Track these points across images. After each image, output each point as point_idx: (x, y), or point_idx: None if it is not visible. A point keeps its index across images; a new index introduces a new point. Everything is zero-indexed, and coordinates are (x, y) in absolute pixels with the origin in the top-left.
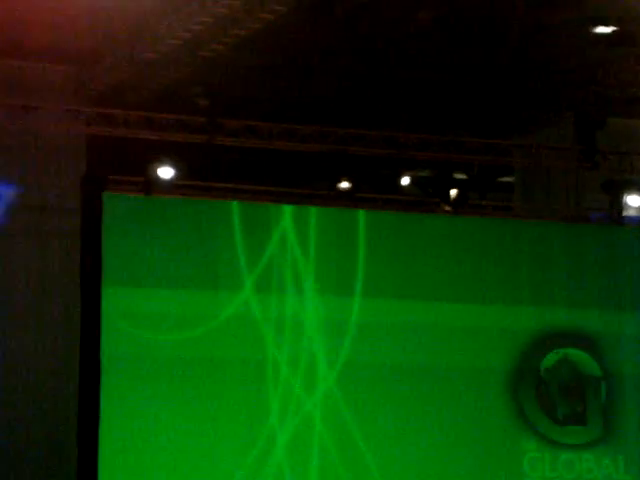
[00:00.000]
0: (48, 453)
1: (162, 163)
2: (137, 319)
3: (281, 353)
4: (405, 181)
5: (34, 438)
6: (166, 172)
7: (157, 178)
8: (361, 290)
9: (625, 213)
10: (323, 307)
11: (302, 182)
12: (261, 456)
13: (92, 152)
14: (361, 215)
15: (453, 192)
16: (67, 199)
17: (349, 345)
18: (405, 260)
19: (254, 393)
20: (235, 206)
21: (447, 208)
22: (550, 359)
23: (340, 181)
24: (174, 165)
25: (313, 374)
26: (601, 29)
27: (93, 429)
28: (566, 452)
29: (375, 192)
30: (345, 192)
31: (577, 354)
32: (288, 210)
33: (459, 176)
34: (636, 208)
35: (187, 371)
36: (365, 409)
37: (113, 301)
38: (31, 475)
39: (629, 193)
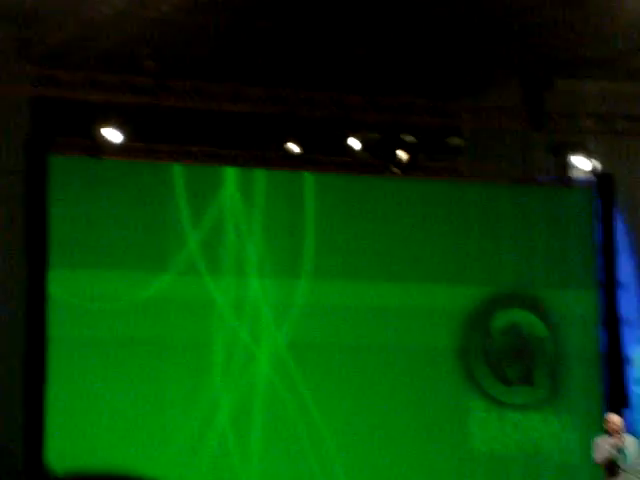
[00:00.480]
0: None
1: (109, 125)
2: (82, 283)
3: (227, 315)
4: (354, 143)
5: None
6: (113, 134)
7: (104, 140)
8: (312, 253)
9: (572, 174)
10: (271, 270)
11: (250, 144)
12: (205, 422)
13: (36, 114)
14: (309, 178)
15: (401, 154)
16: (11, 162)
17: (298, 314)
18: (354, 222)
19: (198, 356)
20: (180, 169)
21: (395, 170)
22: (497, 320)
23: (288, 143)
24: (121, 127)
25: (259, 337)
26: None
27: (39, 392)
28: (513, 412)
29: (323, 155)
30: (293, 155)
31: (524, 315)
32: (232, 172)
33: (407, 138)
34: (583, 169)
35: (133, 336)
36: (313, 378)
37: (59, 264)
38: None
39: (576, 154)
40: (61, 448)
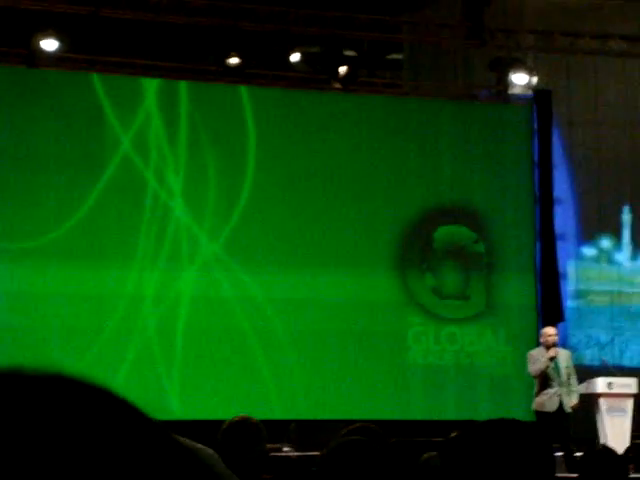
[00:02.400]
0: None
1: (46, 35)
2: (14, 191)
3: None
4: (295, 58)
5: None
6: (50, 44)
7: (41, 50)
8: (252, 168)
9: (511, 91)
10: (210, 180)
11: (190, 57)
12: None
13: None
14: (245, 91)
15: (342, 69)
16: None
17: (235, 226)
18: (293, 137)
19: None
20: (112, 80)
21: (336, 85)
22: (435, 236)
23: (229, 57)
24: (58, 37)
25: (195, 242)
26: None
27: None
28: (449, 325)
29: (264, 69)
30: (234, 68)
31: (461, 231)
32: (155, 84)
33: (349, 53)
34: (522, 86)
35: (74, 242)
36: (250, 272)
37: None
38: None
39: (516, 71)
40: None
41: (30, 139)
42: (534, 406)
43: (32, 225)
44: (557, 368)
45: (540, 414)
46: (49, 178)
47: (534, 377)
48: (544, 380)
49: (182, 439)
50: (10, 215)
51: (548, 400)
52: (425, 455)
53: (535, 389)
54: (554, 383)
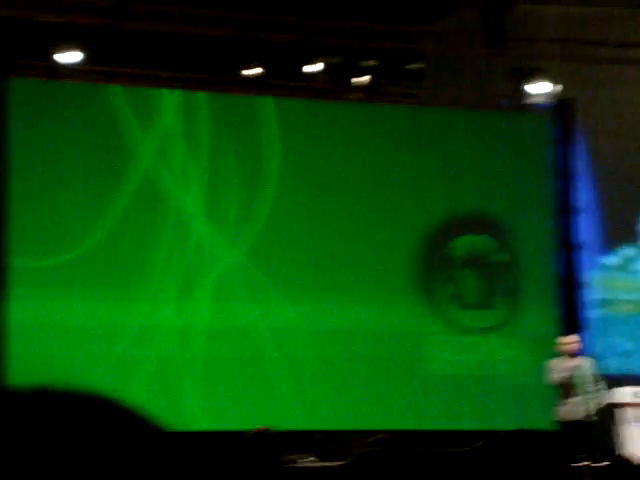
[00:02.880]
0: None
1: (67, 47)
2: (41, 201)
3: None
4: (316, 68)
5: None
6: (71, 56)
7: (61, 62)
8: (276, 177)
9: (532, 100)
10: (233, 181)
11: (212, 68)
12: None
13: None
14: (269, 102)
15: (363, 79)
16: None
17: (259, 231)
18: (315, 147)
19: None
20: (133, 92)
21: (357, 95)
22: (457, 245)
23: (250, 68)
24: (80, 49)
25: (216, 248)
26: None
27: None
28: (473, 335)
29: (284, 79)
30: (254, 79)
31: (483, 240)
32: (175, 95)
33: (369, 63)
34: (543, 95)
35: (96, 258)
36: (273, 280)
37: (19, 183)
38: None
39: (536, 80)
40: (21, 369)
41: (50, 152)
42: (558, 415)
43: (53, 242)
44: (581, 376)
45: (565, 423)
46: (69, 191)
47: (555, 386)
48: (567, 389)
49: None
50: (30, 231)
51: (573, 409)
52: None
53: (559, 398)
54: (578, 392)
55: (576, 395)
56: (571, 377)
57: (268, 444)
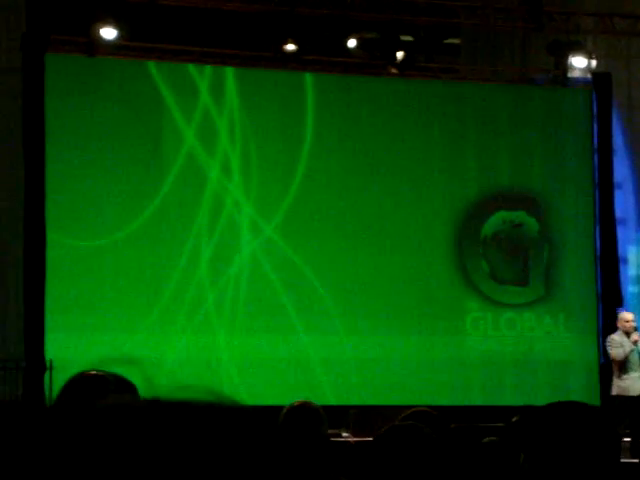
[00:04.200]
0: None
1: (105, 23)
2: (79, 178)
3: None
4: (352, 43)
5: None
6: (109, 32)
7: (100, 38)
8: (308, 154)
9: (570, 74)
10: (269, 157)
11: (248, 44)
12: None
13: (33, 12)
14: (307, 78)
15: (399, 54)
16: (9, 59)
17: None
18: (352, 123)
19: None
20: (174, 67)
21: (393, 70)
22: (494, 221)
23: (286, 43)
24: (117, 25)
25: (252, 223)
26: None
27: (39, 288)
28: (508, 311)
29: (321, 55)
30: (290, 54)
31: (520, 216)
32: (211, 71)
33: (406, 38)
34: (581, 69)
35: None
36: (305, 254)
37: (55, 160)
38: None
39: (574, 54)
40: (60, 341)
41: (87, 129)
42: (615, 391)
43: (90, 222)
44: (638, 352)
45: (622, 398)
46: (106, 169)
47: (616, 361)
48: (624, 365)
49: None
50: (71, 210)
51: (632, 384)
52: (485, 439)
53: (615, 374)
54: (635, 367)
55: (634, 371)
56: (630, 353)
57: (308, 418)
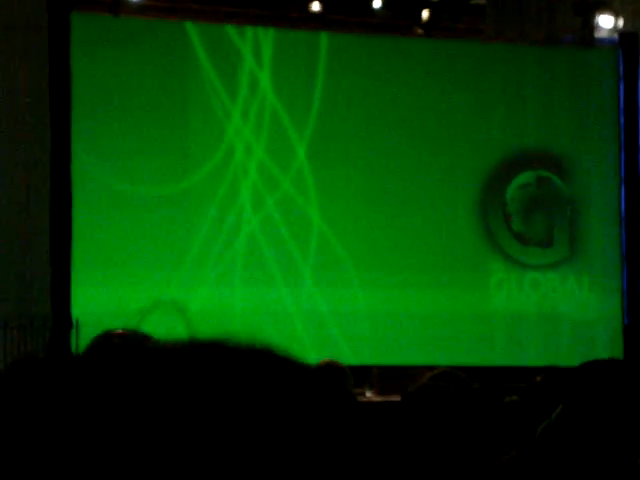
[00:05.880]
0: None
1: None
2: (104, 139)
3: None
4: (376, 3)
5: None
6: None
7: None
8: (333, 114)
9: (597, 34)
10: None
11: (270, 3)
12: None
13: None
14: (324, 38)
15: (424, 14)
16: (34, 19)
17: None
18: (374, 84)
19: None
20: (198, 28)
21: (418, 31)
22: (519, 181)
23: (311, 2)
24: None
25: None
26: None
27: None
28: (532, 272)
29: (344, 15)
30: (315, 14)
31: (545, 176)
32: (250, 32)
33: None
34: (608, 29)
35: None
36: (327, 209)
37: (81, 119)
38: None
39: (601, 13)
40: (86, 298)
41: (114, 91)
42: None
43: (115, 183)
44: None
45: None
46: (134, 132)
47: None
48: None
49: None
50: (92, 169)
51: None
52: (507, 399)
53: None
54: None
55: None
56: None
57: (335, 377)
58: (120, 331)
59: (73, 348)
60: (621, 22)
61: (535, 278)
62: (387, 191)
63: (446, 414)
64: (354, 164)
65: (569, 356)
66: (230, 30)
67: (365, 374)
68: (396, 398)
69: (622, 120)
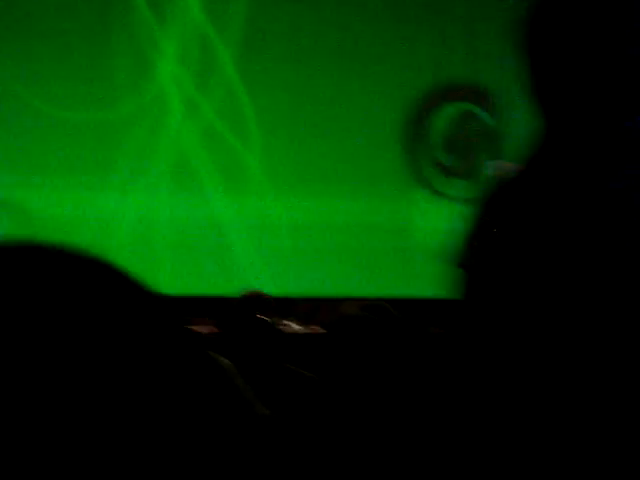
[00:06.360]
0: None
1: None
2: None
3: None
4: None
5: None
6: None
7: None
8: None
9: None
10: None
11: None
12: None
13: None
14: None
15: None
16: None
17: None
18: (292, 13)
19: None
20: None
21: None
22: (444, 112)
23: None
24: None
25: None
26: None
27: None
28: (454, 204)
29: None
30: None
31: (471, 108)
32: None
33: None
34: None
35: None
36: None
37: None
38: None
39: None
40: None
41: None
42: None
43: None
44: None
45: None
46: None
47: None
48: None
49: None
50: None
51: None
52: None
53: None
54: None
55: None
56: None
57: (260, 308)
58: None
59: None
60: None
61: (457, 210)
62: (309, 116)
63: (366, 344)
64: (283, 87)
65: None
66: None
67: (290, 306)
68: (320, 330)
69: None
